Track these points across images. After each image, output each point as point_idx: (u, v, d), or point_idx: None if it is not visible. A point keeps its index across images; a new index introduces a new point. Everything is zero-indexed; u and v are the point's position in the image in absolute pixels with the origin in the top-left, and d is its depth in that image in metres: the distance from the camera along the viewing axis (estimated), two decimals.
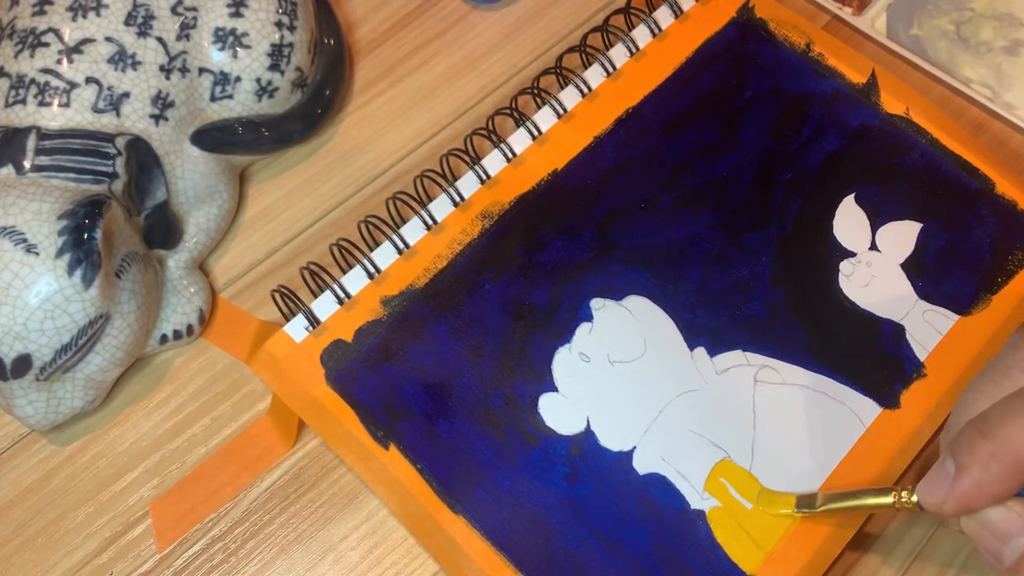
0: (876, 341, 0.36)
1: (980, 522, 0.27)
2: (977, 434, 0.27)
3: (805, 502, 0.32)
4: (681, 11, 0.43)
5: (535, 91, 0.41)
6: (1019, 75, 0.43)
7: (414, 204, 0.39)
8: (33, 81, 0.35)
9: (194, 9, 0.37)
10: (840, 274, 0.37)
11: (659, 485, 0.33)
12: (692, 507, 0.33)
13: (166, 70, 0.36)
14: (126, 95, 0.35)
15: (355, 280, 0.37)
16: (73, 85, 0.35)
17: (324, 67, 0.42)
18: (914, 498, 0.30)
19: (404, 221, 0.38)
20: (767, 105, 0.41)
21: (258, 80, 0.38)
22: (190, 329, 0.37)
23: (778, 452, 0.34)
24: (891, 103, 0.41)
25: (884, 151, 0.40)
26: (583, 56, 0.42)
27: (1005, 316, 0.36)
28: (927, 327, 0.36)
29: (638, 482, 0.34)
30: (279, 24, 0.38)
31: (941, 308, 0.37)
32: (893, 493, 0.30)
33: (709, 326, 0.36)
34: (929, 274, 0.37)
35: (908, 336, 0.36)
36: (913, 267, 0.37)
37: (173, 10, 0.37)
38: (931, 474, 0.28)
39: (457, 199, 0.38)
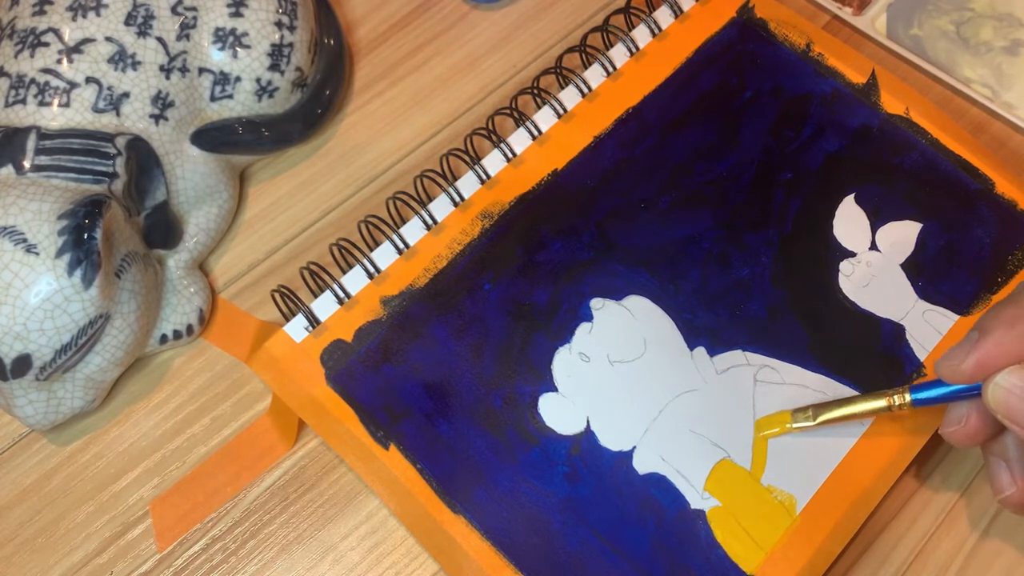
0: (876, 341, 0.36)
1: (1007, 387, 0.28)
2: (1003, 303, 0.28)
3: (800, 417, 0.34)
4: (681, 11, 0.43)
5: (535, 91, 0.41)
6: (1019, 75, 0.43)
7: (414, 204, 0.39)
8: (33, 81, 0.35)
9: (194, 9, 0.37)
10: (840, 274, 0.37)
11: (659, 485, 0.33)
12: (692, 507, 0.33)
13: (166, 70, 0.36)
14: (126, 95, 0.35)
15: (355, 280, 0.37)
16: (73, 85, 0.35)
17: (324, 67, 0.42)
18: (907, 398, 0.31)
19: (404, 221, 0.38)
20: (767, 105, 0.41)
21: (258, 80, 0.38)
22: (190, 329, 0.37)
23: (778, 452, 0.34)
24: (891, 103, 0.41)
25: (884, 151, 0.40)
26: (583, 56, 0.42)
27: None
28: (927, 327, 0.36)
29: (638, 482, 0.34)
30: (279, 24, 0.38)
31: (941, 308, 0.37)
32: (887, 397, 0.32)
33: (709, 326, 0.36)
34: (929, 274, 0.37)
35: (908, 336, 0.36)
36: (913, 267, 0.37)
37: (173, 10, 0.37)
38: (953, 346, 0.29)
39: (457, 199, 0.38)
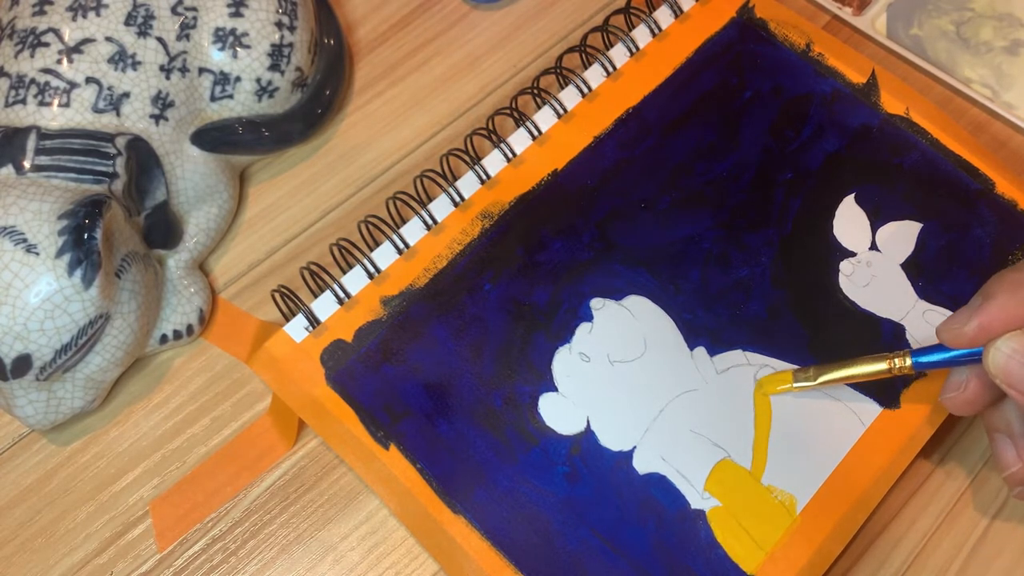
0: (876, 341, 0.36)
1: (1007, 352, 0.28)
2: (1008, 269, 0.29)
3: (801, 377, 0.34)
4: (681, 11, 0.43)
5: (535, 91, 0.41)
6: (1019, 75, 0.43)
7: (414, 204, 0.39)
8: (33, 81, 0.35)
9: (194, 9, 0.37)
10: (840, 274, 0.37)
11: (659, 485, 0.33)
12: (692, 507, 0.33)
13: (166, 70, 0.36)
14: (126, 95, 0.35)
15: (355, 280, 0.37)
16: (73, 85, 0.35)
17: (324, 67, 0.42)
18: (907, 362, 0.32)
19: (404, 221, 0.38)
20: (767, 105, 0.41)
21: (258, 80, 0.38)
22: (190, 329, 0.37)
23: (778, 452, 0.34)
24: (891, 103, 0.41)
25: (884, 151, 0.40)
26: (583, 56, 0.42)
27: None
28: (927, 327, 0.36)
29: (638, 482, 0.34)
30: (279, 24, 0.38)
31: (941, 308, 0.37)
32: (887, 360, 0.32)
33: (709, 326, 0.36)
34: (929, 274, 0.37)
35: (908, 336, 0.36)
36: (913, 267, 0.37)
37: (173, 10, 0.37)
38: (956, 312, 0.29)
39: (457, 199, 0.38)
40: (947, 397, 0.31)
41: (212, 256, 0.40)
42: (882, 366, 0.32)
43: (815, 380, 0.34)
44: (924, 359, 0.32)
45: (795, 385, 0.34)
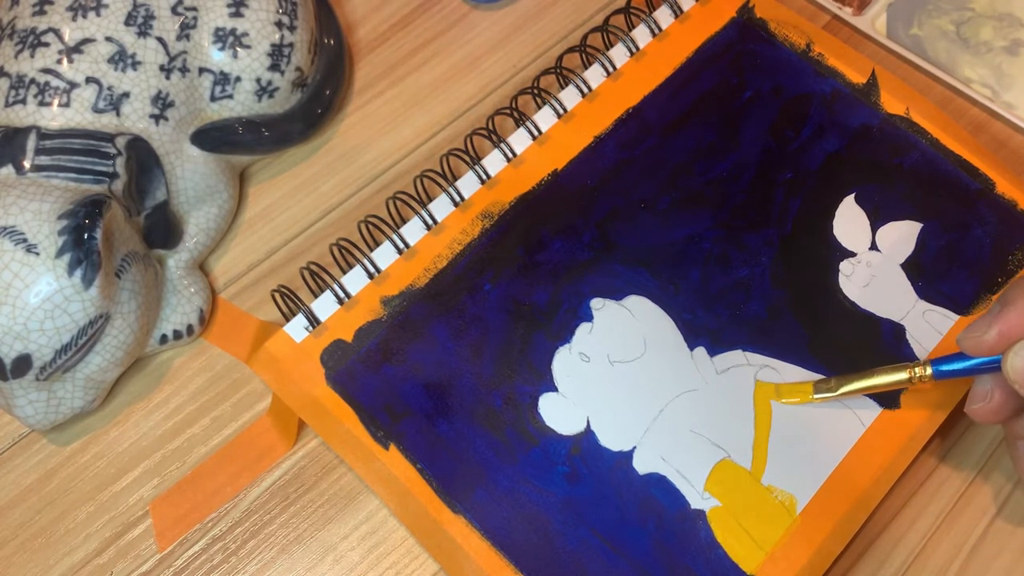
0: (876, 341, 0.36)
1: None
2: None
3: (822, 388, 0.34)
4: (681, 11, 0.43)
5: (535, 91, 0.41)
6: (1019, 75, 0.43)
7: (414, 204, 0.39)
8: (33, 81, 0.35)
9: (194, 9, 0.37)
10: (840, 274, 0.37)
11: (659, 485, 0.33)
12: (692, 507, 0.33)
13: (166, 70, 0.36)
14: (126, 95, 0.35)
15: (355, 280, 0.37)
16: (73, 85, 0.35)
17: (324, 67, 0.42)
18: (928, 371, 0.32)
19: (404, 221, 0.38)
20: (767, 105, 0.41)
21: (258, 80, 0.38)
22: (190, 329, 0.37)
23: (778, 452, 0.34)
24: (891, 103, 0.41)
25: (884, 151, 0.40)
26: (583, 56, 0.42)
27: None
28: (927, 327, 0.36)
29: (638, 482, 0.34)
30: (279, 24, 0.38)
31: (941, 308, 0.37)
32: (908, 369, 0.32)
33: (709, 326, 0.36)
34: (929, 274, 0.37)
35: (908, 336, 0.36)
36: (913, 267, 0.37)
37: (173, 10, 0.37)
38: (977, 319, 0.29)
39: (457, 199, 0.38)
40: (973, 408, 0.31)
41: (212, 256, 0.40)
42: (902, 376, 0.32)
43: (836, 391, 0.34)
44: (945, 368, 0.31)
45: (815, 396, 0.34)
